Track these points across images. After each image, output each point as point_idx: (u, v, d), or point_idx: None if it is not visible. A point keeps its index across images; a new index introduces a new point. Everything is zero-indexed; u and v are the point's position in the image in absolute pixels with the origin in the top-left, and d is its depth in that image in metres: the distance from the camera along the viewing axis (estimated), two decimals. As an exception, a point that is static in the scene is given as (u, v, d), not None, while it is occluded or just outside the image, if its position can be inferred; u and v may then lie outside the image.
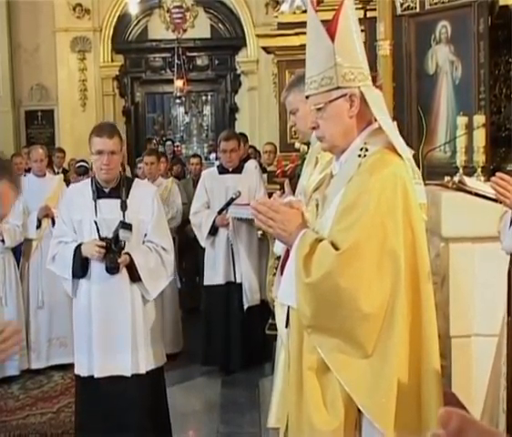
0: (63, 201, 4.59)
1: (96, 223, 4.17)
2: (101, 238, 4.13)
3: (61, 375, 6.58)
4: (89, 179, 4.47)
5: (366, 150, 2.43)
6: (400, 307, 2.32)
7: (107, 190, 4.26)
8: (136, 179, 4.70)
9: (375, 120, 2.49)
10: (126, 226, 4.13)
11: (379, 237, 2.30)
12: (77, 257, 4.17)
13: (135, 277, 4.20)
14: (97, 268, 4.17)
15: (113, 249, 4.10)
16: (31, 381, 6.47)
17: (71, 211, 4.30)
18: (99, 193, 4.25)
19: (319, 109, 2.47)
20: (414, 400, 2.37)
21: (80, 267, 4.18)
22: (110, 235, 4.14)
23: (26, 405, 5.91)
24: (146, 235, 4.29)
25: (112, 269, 4.11)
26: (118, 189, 4.24)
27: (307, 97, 2.54)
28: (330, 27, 2.45)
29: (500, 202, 3.14)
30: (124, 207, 4.20)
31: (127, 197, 4.23)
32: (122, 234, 4.11)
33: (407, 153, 2.50)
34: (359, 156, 2.43)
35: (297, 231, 2.43)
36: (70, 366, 6.57)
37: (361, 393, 2.32)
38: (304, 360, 2.42)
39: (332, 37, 2.42)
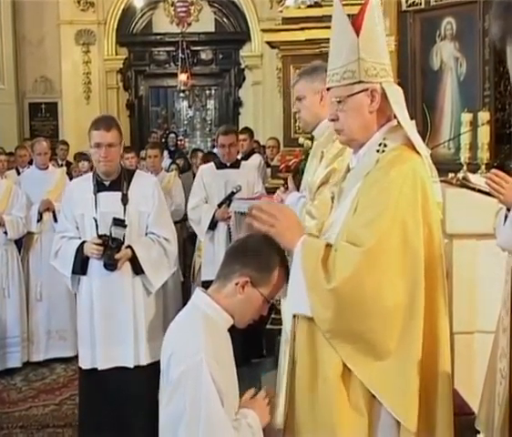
0: (65, 196, 4.56)
1: (95, 220, 4.15)
2: (99, 236, 4.11)
3: (63, 368, 6.61)
4: (91, 174, 4.46)
5: (385, 146, 2.42)
6: (419, 304, 2.29)
7: (107, 183, 4.24)
8: (137, 171, 4.62)
9: (395, 117, 2.49)
10: (118, 222, 4.10)
11: (400, 233, 2.27)
12: (79, 255, 4.17)
13: (138, 269, 4.19)
14: (97, 263, 4.17)
15: (111, 246, 4.08)
16: (33, 373, 6.50)
17: (72, 206, 4.29)
18: (100, 187, 4.23)
19: (339, 102, 2.45)
20: (425, 397, 2.33)
21: (80, 265, 4.19)
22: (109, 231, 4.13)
23: (29, 397, 5.93)
24: (147, 227, 4.28)
25: (109, 266, 4.09)
26: (119, 182, 4.22)
27: (328, 90, 2.53)
28: (355, 21, 2.44)
29: (495, 198, 3.17)
30: (125, 200, 4.19)
31: (127, 189, 4.22)
32: (114, 231, 4.09)
33: (425, 151, 2.49)
34: (377, 151, 2.42)
35: (299, 234, 2.38)
36: (72, 359, 6.63)
37: (388, 395, 2.28)
38: (320, 369, 2.33)
39: (358, 32, 2.41)
